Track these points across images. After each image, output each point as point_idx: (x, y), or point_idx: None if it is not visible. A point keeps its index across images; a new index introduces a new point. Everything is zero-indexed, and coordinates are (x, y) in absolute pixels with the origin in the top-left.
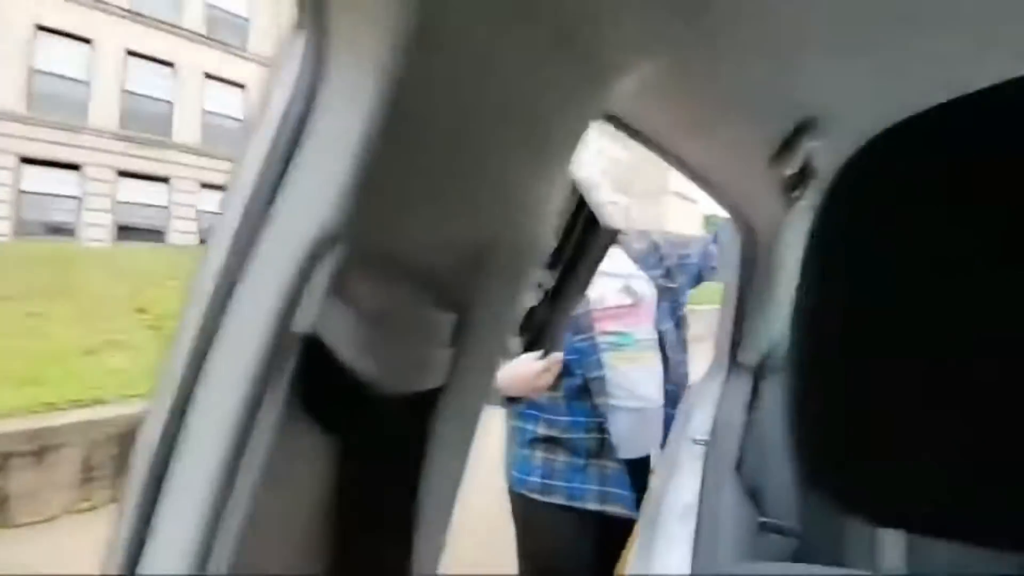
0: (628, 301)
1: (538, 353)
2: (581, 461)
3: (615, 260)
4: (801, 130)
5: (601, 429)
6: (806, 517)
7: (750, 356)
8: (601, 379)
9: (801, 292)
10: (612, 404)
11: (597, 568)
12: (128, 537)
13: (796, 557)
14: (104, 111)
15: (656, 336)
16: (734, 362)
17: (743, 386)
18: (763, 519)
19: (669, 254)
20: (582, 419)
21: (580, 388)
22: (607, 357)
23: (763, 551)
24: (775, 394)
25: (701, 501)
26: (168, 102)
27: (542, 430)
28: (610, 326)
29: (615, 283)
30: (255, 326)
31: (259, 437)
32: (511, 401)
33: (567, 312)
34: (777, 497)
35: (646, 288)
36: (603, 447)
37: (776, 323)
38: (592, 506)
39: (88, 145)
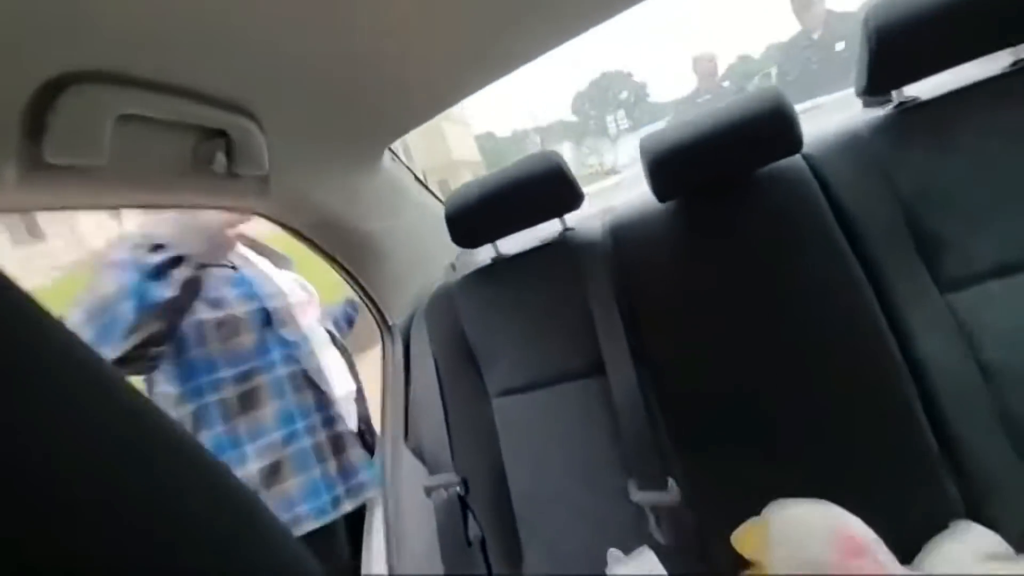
0: (305, 296)
1: None
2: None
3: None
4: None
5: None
6: (461, 468)
7: (399, 316)
8: (319, 370)
9: None
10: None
11: None
12: None
13: (462, 503)
14: None
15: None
16: (386, 327)
17: (399, 347)
18: (430, 480)
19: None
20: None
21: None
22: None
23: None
24: (424, 348)
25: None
26: None
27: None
28: (305, 320)
29: (289, 277)
30: None
31: None
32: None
33: None
34: (437, 456)
35: (311, 287)
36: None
37: (410, 282)
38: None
39: None
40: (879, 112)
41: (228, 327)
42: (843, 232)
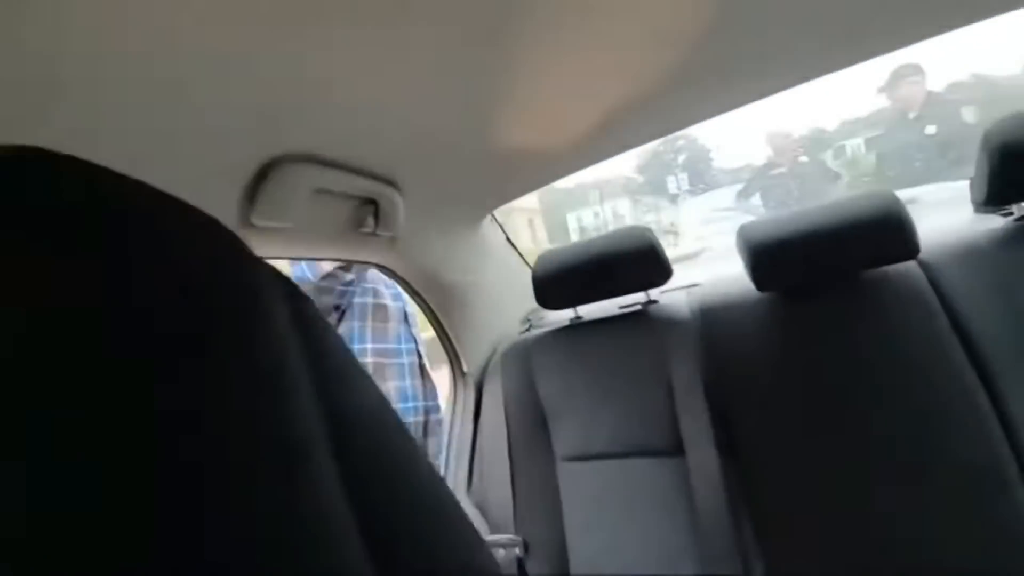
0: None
1: None
2: None
3: None
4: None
5: None
6: (523, 528)
7: (473, 366)
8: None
9: None
10: None
11: None
12: None
13: (519, 567)
14: None
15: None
16: (461, 374)
17: (471, 396)
18: (490, 537)
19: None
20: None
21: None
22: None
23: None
24: (495, 399)
25: None
26: None
27: None
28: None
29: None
30: None
31: None
32: None
33: None
34: (499, 512)
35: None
36: None
37: (486, 334)
38: None
39: None
40: (996, 221)
41: (381, 312)
42: (960, 342)
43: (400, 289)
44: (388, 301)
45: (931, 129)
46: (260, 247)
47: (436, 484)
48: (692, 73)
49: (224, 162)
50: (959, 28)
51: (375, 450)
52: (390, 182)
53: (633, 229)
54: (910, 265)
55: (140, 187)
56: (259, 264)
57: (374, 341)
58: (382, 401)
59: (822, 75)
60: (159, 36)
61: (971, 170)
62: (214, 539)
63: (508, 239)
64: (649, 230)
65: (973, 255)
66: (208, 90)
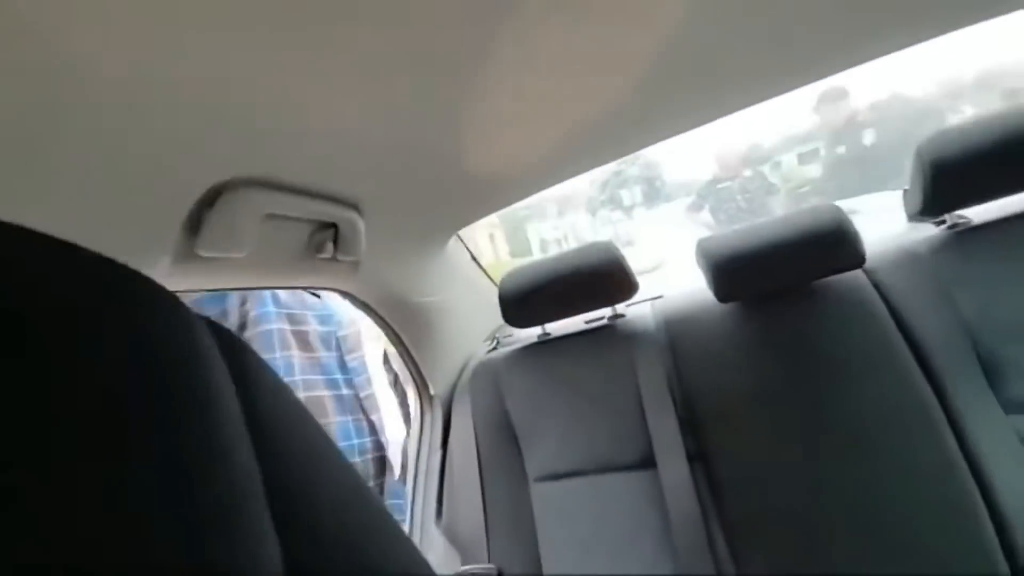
0: (376, 332)
1: None
2: None
3: None
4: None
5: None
6: (497, 555)
7: (440, 388)
8: (372, 398)
9: None
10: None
11: None
12: None
13: None
14: None
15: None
16: (428, 397)
17: (438, 419)
18: (464, 569)
19: None
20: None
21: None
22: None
23: None
24: (465, 420)
25: None
26: None
27: None
28: (370, 352)
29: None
30: None
31: None
32: None
33: None
34: (471, 540)
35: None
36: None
37: (453, 354)
38: None
39: None
40: (931, 230)
41: (302, 339)
42: (908, 347)
43: (333, 314)
44: (313, 326)
45: (863, 141)
46: (206, 279)
47: (381, 513)
48: (651, 95)
49: (164, 189)
50: (900, 49)
51: (308, 479)
52: (351, 205)
53: (598, 245)
54: (857, 273)
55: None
56: (188, 313)
57: (303, 373)
58: (313, 424)
59: (775, 95)
60: (89, 48)
61: (899, 182)
62: None
63: (474, 258)
64: (613, 245)
65: (913, 262)
66: (146, 111)
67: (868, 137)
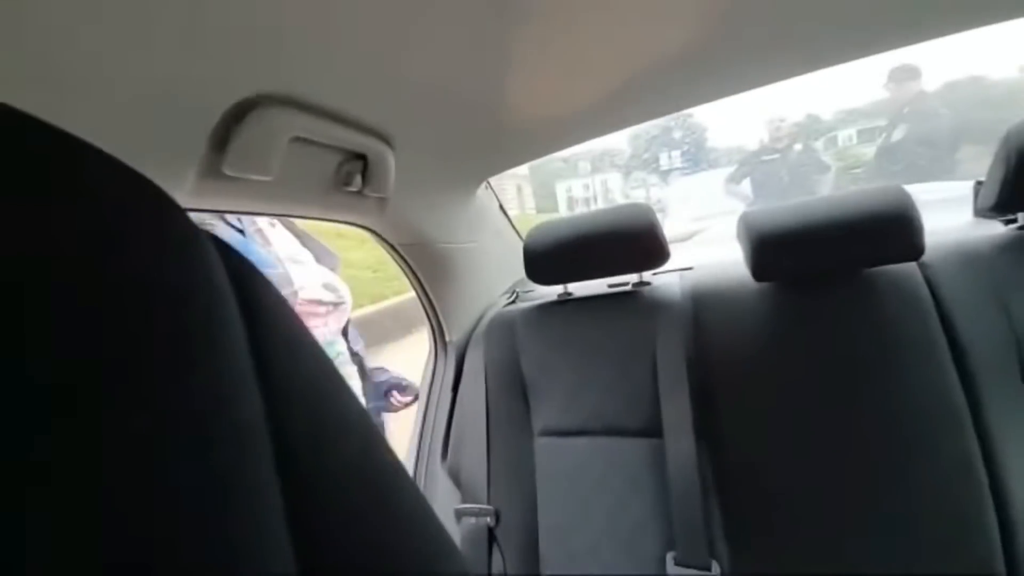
0: (330, 299)
1: None
2: None
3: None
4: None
5: None
6: (496, 500)
7: (456, 335)
8: None
9: None
10: None
11: None
12: None
13: (490, 536)
14: None
15: (348, 351)
16: (443, 342)
17: (451, 365)
18: (462, 506)
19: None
20: None
21: None
22: None
23: (464, 534)
24: (477, 369)
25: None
26: None
27: None
28: (320, 322)
29: (318, 275)
30: None
31: None
32: None
33: None
34: (473, 482)
35: (344, 292)
36: None
37: (472, 303)
38: None
39: None
40: (997, 228)
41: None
42: (949, 348)
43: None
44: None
45: (931, 124)
46: (231, 200)
47: (397, 475)
48: (701, 53)
49: (192, 102)
50: (974, 28)
51: (318, 434)
52: (382, 137)
53: (633, 207)
54: (910, 265)
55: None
56: (187, 217)
57: None
58: (329, 371)
59: (832, 65)
60: None
61: (965, 171)
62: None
63: (502, 208)
64: (649, 208)
65: (973, 261)
66: (171, 20)
67: (937, 120)
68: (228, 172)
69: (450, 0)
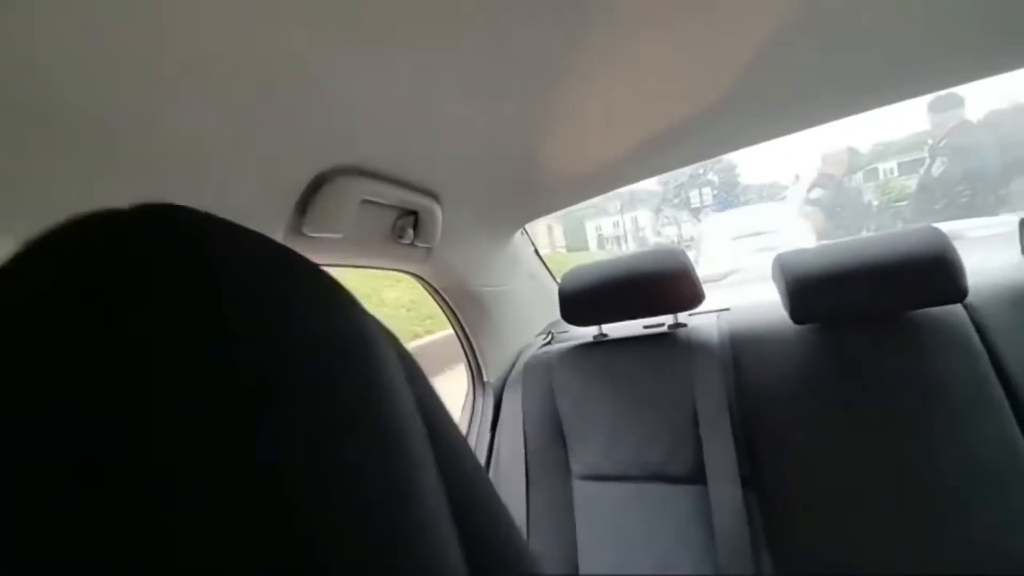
0: None
1: None
2: None
3: None
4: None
5: None
6: (535, 544)
7: (494, 376)
8: None
9: None
10: None
11: None
12: None
13: None
14: None
15: None
16: (481, 383)
17: (489, 405)
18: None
19: None
20: None
21: None
22: None
23: None
24: (514, 410)
25: None
26: None
27: None
28: None
29: None
30: None
31: None
32: None
33: None
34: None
35: None
36: None
37: (509, 344)
38: None
39: None
40: None
41: None
42: (1003, 390)
43: None
44: None
45: (974, 156)
46: (310, 256)
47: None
48: (737, 101)
49: (279, 175)
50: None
51: (468, 475)
52: (431, 194)
53: (667, 251)
54: (955, 307)
55: (247, 234)
56: (366, 313)
57: None
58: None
59: (867, 110)
60: (220, 53)
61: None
62: None
63: (536, 252)
64: (683, 252)
65: (1023, 300)
66: (265, 106)
67: (981, 152)
68: (308, 232)
69: (502, 67)
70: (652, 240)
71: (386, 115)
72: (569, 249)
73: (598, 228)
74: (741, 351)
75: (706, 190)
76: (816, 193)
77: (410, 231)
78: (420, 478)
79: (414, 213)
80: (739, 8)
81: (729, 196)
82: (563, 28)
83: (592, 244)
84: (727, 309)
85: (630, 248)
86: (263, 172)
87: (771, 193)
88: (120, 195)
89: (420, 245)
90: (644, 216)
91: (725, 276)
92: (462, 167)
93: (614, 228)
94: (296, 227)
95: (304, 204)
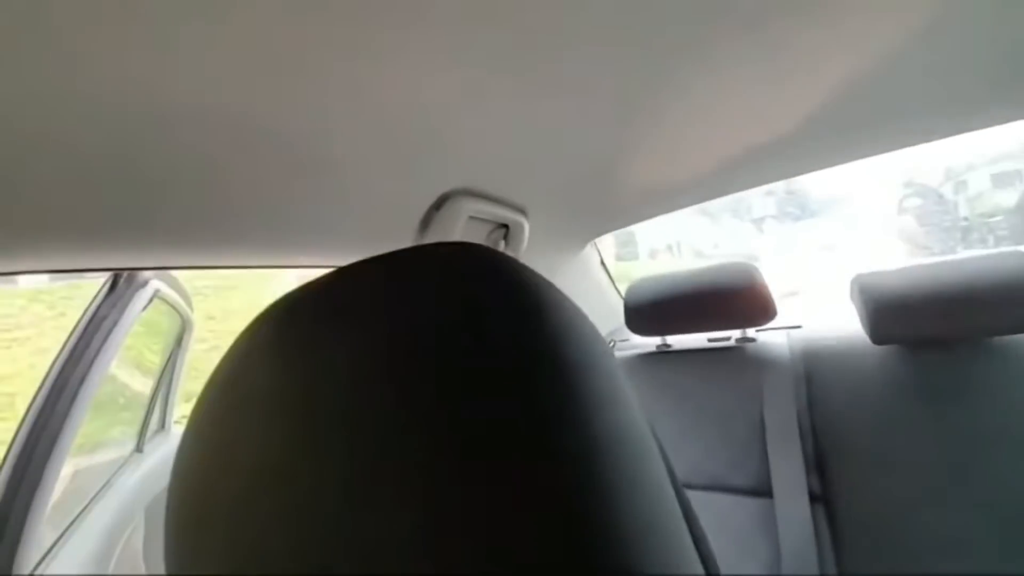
0: None
1: None
2: None
3: None
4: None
5: None
6: None
7: None
8: None
9: None
10: None
11: None
12: None
13: None
14: None
15: None
16: None
17: None
18: None
19: None
20: None
21: None
22: None
23: None
24: None
25: None
26: None
27: None
28: None
29: None
30: None
31: None
32: None
33: None
34: None
35: None
36: None
37: None
38: None
39: None
40: None
41: None
42: None
43: None
44: None
45: None
46: None
47: None
48: (829, 121)
49: (416, 200)
50: None
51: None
52: (520, 209)
53: (740, 265)
54: None
55: (541, 278)
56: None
57: None
58: None
59: (981, 128)
60: (372, 86)
61: None
62: None
63: (603, 263)
64: (756, 268)
65: None
66: (405, 136)
67: None
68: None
69: (596, 91)
70: (708, 251)
71: (496, 140)
72: (618, 259)
73: (649, 238)
74: (815, 368)
75: (770, 200)
76: (910, 203)
77: (502, 243)
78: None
79: (505, 226)
80: (839, 29)
81: (796, 207)
82: (665, 50)
83: (643, 254)
84: (799, 326)
85: (684, 260)
86: (405, 198)
87: (843, 206)
88: (299, 203)
89: (508, 255)
90: (700, 225)
91: (792, 294)
92: (547, 182)
93: (665, 238)
94: (418, 239)
95: (426, 222)
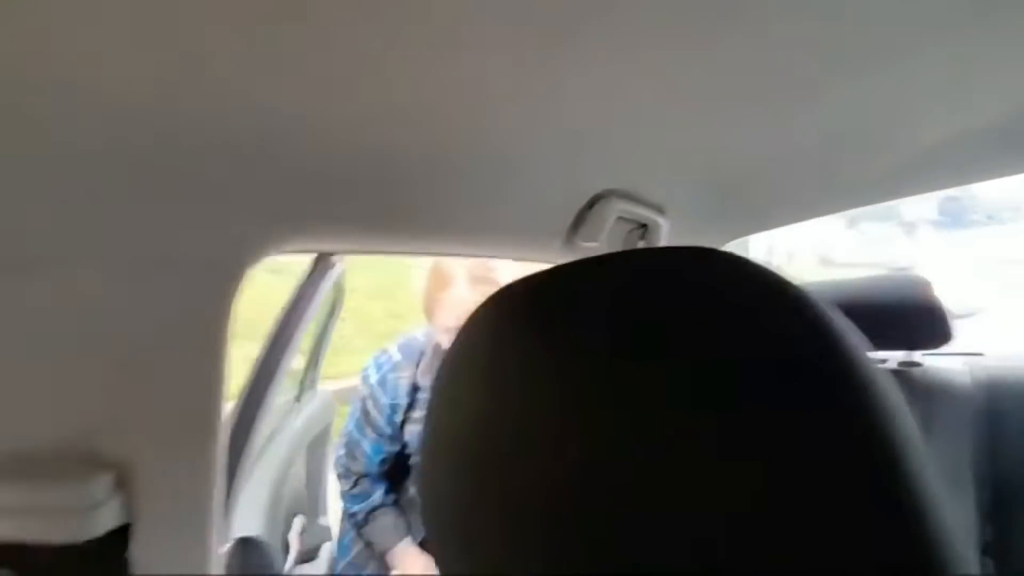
0: None
1: None
2: None
3: None
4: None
5: None
6: None
7: None
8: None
9: None
10: None
11: None
12: None
13: None
14: None
15: None
16: None
17: None
18: None
19: None
20: None
21: None
22: None
23: None
24: None
25: None
26: None
27: None
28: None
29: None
30: None
31: None
32: None
33: None
34: None
35: None
36: None
37: None
38: None
39: None
40: None
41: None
42: None
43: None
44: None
45: None
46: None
47: None
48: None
49: (576, 199)
50: None
51: None
52: (658, 209)
53: (910, 279)
54: None
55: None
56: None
57: None
58: None
59: None
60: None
61: None
62: None
63: None
64: (929, 283)
65: None
66: (556, 134)
67: None
68: (578, 242)
69: (746, 83)
70: (839, 259)
71: (645, 141)
72: None
73: (769, 237)
74: (1003, 404)
75: (927, 202)
76: None
77: (641, 243)
78: None
79: (644, 226)
80: None
81: (959, 212)
82: (836, 48)
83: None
84: (980, 354)
85: (806, 268)
86: (555, 192)
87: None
88: (451, 204)
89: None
90: (835, 230)
91: (968, 315)
92: (691, 183)
93: (785, 242)
94: (571, 239)
95: (579, 220)
